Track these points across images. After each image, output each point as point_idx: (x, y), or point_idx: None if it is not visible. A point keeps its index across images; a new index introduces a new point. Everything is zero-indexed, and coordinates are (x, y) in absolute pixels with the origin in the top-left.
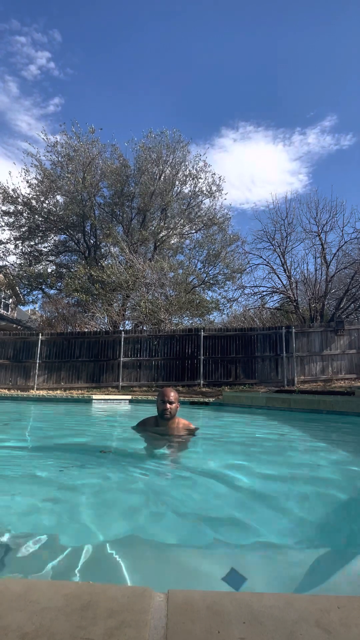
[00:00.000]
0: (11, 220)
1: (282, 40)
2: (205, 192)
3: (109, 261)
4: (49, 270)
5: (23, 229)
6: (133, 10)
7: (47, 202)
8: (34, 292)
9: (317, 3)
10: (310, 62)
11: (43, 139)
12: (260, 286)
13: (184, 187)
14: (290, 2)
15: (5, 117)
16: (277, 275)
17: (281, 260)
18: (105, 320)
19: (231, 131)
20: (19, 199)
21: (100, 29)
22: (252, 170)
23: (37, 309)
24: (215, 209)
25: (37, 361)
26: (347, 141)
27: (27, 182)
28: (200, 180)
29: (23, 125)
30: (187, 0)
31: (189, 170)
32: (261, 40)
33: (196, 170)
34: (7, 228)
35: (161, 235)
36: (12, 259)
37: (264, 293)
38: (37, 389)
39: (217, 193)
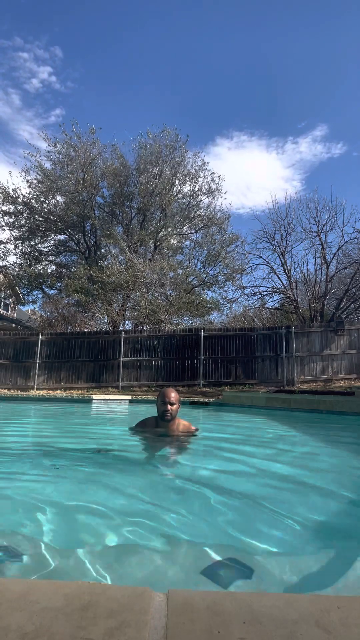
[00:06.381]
0: (11, 220)
1: (273, 53)
2: (204, 191)
3: (109, 261)
4: (49, 270)
5: (23, 229)
6: (132, 21)
7: (47, 202)
8: (34, 292)
9: (307, 17)
10: (301, 73)
11: (44, 139)
12: (260, 286)
13: (184, 186)
14: (281, 16)
15: (7, 127)
16: (277, 275)
17: (281, 260)
18: (105, 320)
19: (226, 140)
20: (19, 199)
21: (100, 38)
22: (246, 177)
23: (37, 309)
24: (214, 208)
25: (37, 361)
26: (337, 150)
27: (28, 182)
28: (199, 179)
29: (25, 134)
30: (181, 16)
31: (188, 169)
32: (253, 52)
33: (195, 169)
34: (7, 228)
35: (161, 235)
36: (12, 259)
37: (264, 293)
38: (37, 389)
39: (217, 192)
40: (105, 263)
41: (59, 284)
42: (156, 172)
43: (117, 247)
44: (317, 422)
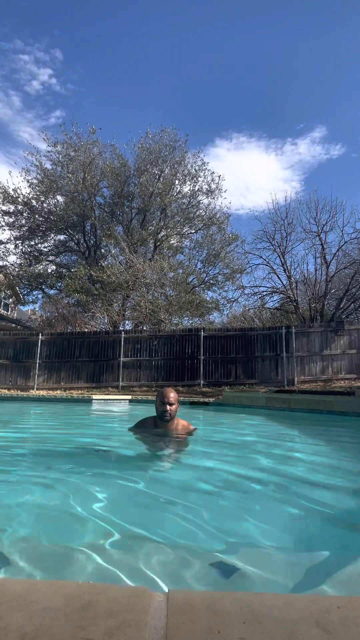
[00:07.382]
0: (11, 220)
1: (273, 55)
2: (204, 191)
3: (109, 261)
4: (49, 270)
5: (23, 229)
6: (132, 23)
7: (47, 202)
8: (34, 292)
9: (307, 18)
10: (300, 75)
11: (44, 139)
12: (260, 286)
13: (184, 186)
14: (281, 18)
15: (8, 129)
16: (277, 275)
17: (281, 260)
18: (105, 320)
19: (225, 141)
20: (19, 199)
21: (100, 40)
22: (246, 178)
23: (37, 309)
24: (214, 208)
25: (37, 361)
26: (336, 151)
27: (28, 181)
28: (199, 179)
29: (25, 135)
30: (181, 18)
31: (188, 169)
32: (253, 54)
33: (195, 169)
34: (7, 228)
35: (161, 235)
36: (12, 259)
37: (264, 293)
38: (37, 389)
39: (217, 192)
40: (106, 263)
41: (59, 284)
42: (156, 171)
43: (117, 247)
44: (317, 422)
